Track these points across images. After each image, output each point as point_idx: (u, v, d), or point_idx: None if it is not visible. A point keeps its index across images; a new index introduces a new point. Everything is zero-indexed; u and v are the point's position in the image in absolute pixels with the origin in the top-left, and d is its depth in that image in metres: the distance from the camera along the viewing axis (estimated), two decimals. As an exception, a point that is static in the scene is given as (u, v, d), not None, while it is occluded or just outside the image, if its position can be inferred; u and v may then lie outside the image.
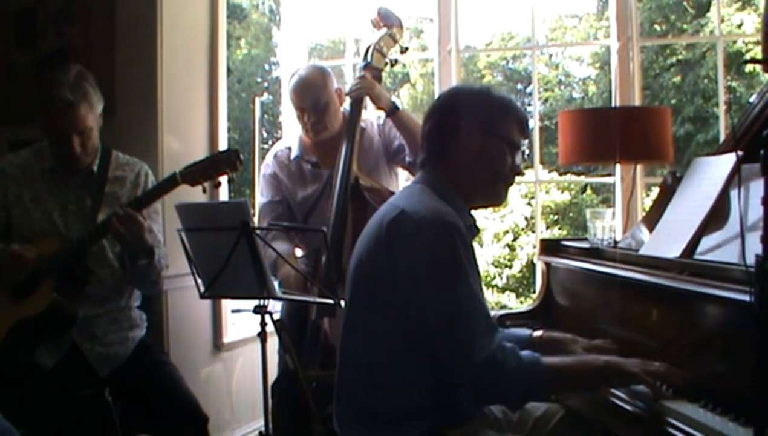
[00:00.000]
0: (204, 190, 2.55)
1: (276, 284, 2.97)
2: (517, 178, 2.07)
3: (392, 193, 2.98)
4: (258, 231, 2.37)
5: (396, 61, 3.20)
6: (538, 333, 2.20)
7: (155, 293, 2.99)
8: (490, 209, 2.45)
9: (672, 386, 1.78)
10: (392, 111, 3.03)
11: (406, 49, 3.24)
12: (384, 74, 3.17)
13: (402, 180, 3.42)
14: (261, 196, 3.26)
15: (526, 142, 2.08)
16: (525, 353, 1.82)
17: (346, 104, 3.15)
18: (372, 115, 3.25)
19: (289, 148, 3.20)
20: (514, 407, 1.98)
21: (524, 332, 2.21)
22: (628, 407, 1.79)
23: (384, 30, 3.16)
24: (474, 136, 1.95)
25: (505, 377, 1.77)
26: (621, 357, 1.88)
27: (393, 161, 3.21)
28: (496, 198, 2.06)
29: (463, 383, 1.79)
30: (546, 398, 2.07)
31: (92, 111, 2.60)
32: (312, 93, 3.02)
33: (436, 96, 4.21)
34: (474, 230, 2.01)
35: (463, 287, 1.80)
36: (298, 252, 3.19)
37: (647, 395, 1.77)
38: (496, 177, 1.99)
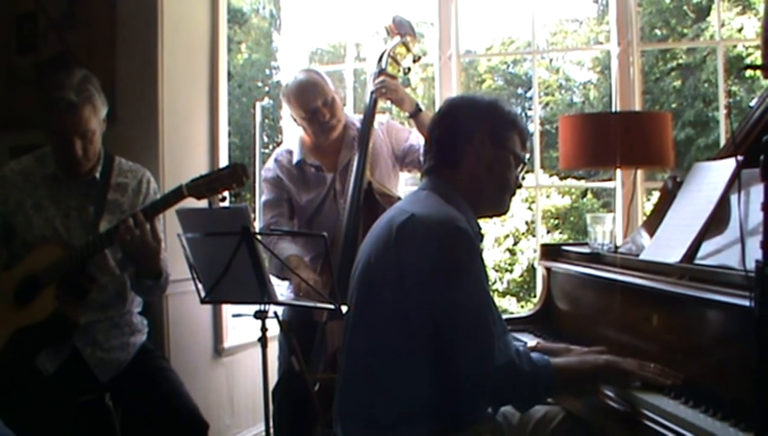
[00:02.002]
0: (210, 204, 2.54)
1: (286, 285, 2.98)
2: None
3: (400, 199, 2.99)
4: (259, 236, 2.37)
5: (409, 69, 3.23)
6: (532, 343, 2.24)
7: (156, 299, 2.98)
8: (495, 218, 2.49)
9: (667, 385, 1.83)
10: (416, 112, 3.09)
11: (419, 57, 3.28)
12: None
13: (401, 183, 3.42)
14: (262, 195, 3.25)
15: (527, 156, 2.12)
16: (535, 355, 1.87)
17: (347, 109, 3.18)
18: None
19: (290, 152, 3.19)
20: (525, 409, 2.00)
21: (518, 343, 2.22)
22: (628, 411, 1.79)
23: (398, 38, 3.19)
24: (485, 146, 1.98)
25: (522, 381, 1.81)
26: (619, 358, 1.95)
27: (402, 163, 3.23)
28: (501, 208, 2.09)
29: (482, 386, 1.81)
30: (553, 397, 2.11)
31: (95, 114, 2.59)
32: (319, 90, 3.04)
33: (437, 100, 4.25)
34: (480, 236, 2.02)
35: (477, 291, 1.83)
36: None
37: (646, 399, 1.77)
38: (504, 188, 2.03)
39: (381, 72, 3.13)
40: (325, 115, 3.04)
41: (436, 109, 3.26)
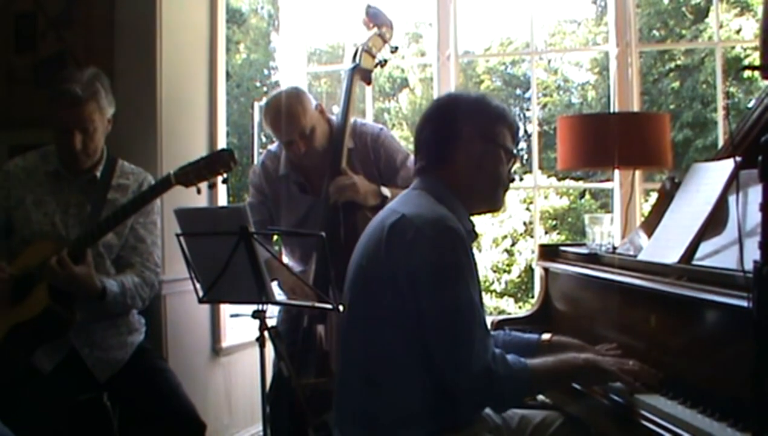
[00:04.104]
0: (198, 191, 2.54)
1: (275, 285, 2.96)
2: (516, 184, 2.10)
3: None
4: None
5: (386, 61, 3.13)
6: (546, 336, 2.21)
7: (153, 299, 2.95)
8: (489, 214, 2.42)
9: (646, 384, 1.87)
10: (383, 199, 2.85)
11: (396, 48, 3.16)
12: (382, 79, 3.15)
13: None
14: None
15: (518, 149, 2.11)
16: (511, 357, 1.85)
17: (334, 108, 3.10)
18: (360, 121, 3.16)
19: (278, 158, 3.08)
20: (502, 411, 2.02)
21: (533, 336, 2.22)
22: (626, 411, 1.80)
23: (374, 30, 3.08)
24: (475, 143, 1.98)
25: (499, 386, 1.80)
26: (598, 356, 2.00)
27: (388, 181, 3.01)
28: (495, 203, 2.08)
29: (459, 390, 1.82)
30: (532, 396, 2.15)
31: (100, 112, 2.62)
32: (295, 124, 2.87)
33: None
34: (473, 235, 2.03)
35: (461, 294, 1.81)
36: (284, 259, 3.12)
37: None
38: (496, 183, 2.02)
39: (356, 68, 3.02)
40: (301, 148, 2.89)
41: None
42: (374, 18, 3.10)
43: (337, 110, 3.06)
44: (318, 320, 2.79)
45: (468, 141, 1.97)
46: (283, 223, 3.06)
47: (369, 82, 3.14)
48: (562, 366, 1.93)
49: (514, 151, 2.04)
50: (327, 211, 2.85)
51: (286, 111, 2.89)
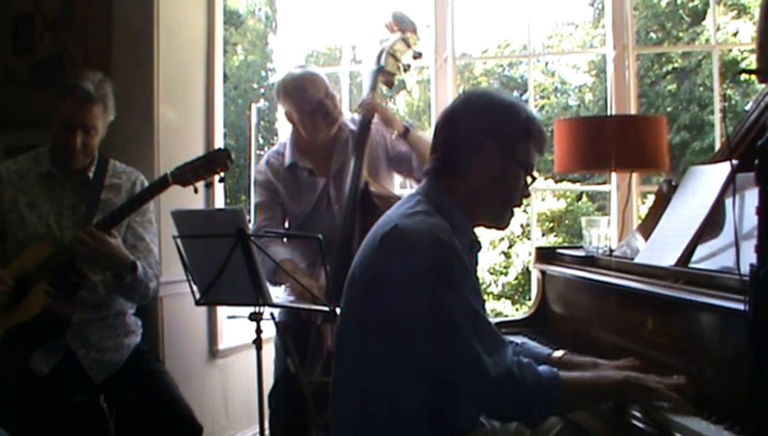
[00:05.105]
0: (195, 191, 2.54)
1: (282, 288, 2.95)
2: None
3: (399, 198, 2.92)
4: (253, 238, 2.37)
5: (409, 66, 3.14)
6: (558, 354, 2.08)
7: (149, 302, 2.95)
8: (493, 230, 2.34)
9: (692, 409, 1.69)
10: (405, 132, 2.98)
11: (420, 54, 3.18)
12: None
13: (397, 183, 3.35)
14: (255, 196, 3.16)
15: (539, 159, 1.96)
16: (543, 368, 1.76)
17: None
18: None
19: (282, 154, 3.10)
20: (532, 425, 1.90)
21: (543, 350, 2.13)
22: (629, 419, 1.79)
23: (398, 34, 3.08)
24: (494, 158, 1.86)
25: (523, 394, 1.71)
26: (640, 373, 1.82)
27: (393, 167, 3.12)
28: (500, 221, 1.97)
29: (477, 400, 1.77)
30: (564, 414, 1.99)
31: (104, 115, 2.65)
32: (320, 83, 2.98)
33: (432, 103, 4.25)
34: (476, 246, 1.96)
35: (457, 305, 1.73)
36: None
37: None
38: (506, 201, 1.92)
39: (379, 70, 3.03)
40: (328, 106, 2.96)
41: (431, 112, 3.20)
42: (400, 22, 3.11)
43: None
44: (326, 318, 2.78)
45: (487, 156, 1.85)
46: (297, 211, 3.05)
47: (391, 86, 3.14)
48: (600, 382, 1.80)
49: (534, 165, 1.91)
50: (347, 209, 2.87)
51: (309, 76, 3.00)
